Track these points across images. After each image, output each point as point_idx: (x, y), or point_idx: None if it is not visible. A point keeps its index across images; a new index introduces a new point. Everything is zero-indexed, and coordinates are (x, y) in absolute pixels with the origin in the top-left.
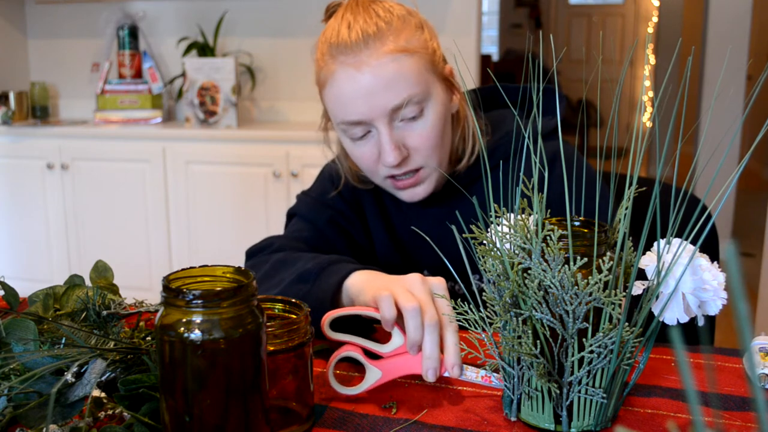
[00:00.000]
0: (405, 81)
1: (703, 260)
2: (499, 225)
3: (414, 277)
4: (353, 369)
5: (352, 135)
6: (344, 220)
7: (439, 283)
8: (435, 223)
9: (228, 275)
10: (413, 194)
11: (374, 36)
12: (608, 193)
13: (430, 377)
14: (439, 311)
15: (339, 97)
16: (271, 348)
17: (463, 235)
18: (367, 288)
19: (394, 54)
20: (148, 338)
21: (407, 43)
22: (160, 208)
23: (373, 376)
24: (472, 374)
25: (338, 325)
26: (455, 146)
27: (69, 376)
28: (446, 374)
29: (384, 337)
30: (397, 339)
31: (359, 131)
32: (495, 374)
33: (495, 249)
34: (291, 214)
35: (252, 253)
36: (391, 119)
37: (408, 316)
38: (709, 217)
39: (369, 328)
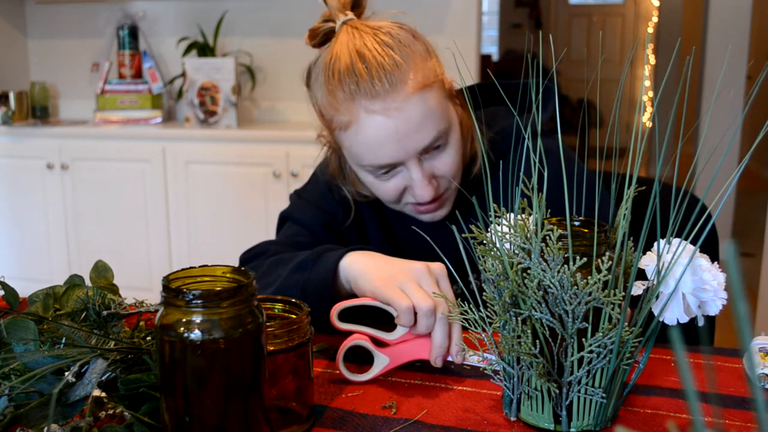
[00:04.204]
0: (432, 118)
1: (703, 260)
2: (498, 225)
3: (421, 269)
4: (360, 358)
5: (377, 174)
6: (340, 225)
7: (441, 270)
8: (435, 224)
9: (228, 275)
10: (434, 216)
11: (395, 75)
12: (607, 190)
13: (438, 363)
14: (447, 302)
15: (366, 143)
16: (271, 348)
17: (463, 236)
18: (371, 274)
19: (418, 93)
20: (148, 338)
21: (425, 77)
22: (160, 208)
23: (381, 362)
24: (474, 358)
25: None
26: (466, 156)
27: (70, 376)
28: (450, 359)
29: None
30: (401, 327)
31: (386, 169)
32: (492, 356)
33: (495, 249)
34: (284, 217)
35: (246, 260)
36: (420, 156)
37: (423, 315)
38: (709, 217)
39: (373, 312)
